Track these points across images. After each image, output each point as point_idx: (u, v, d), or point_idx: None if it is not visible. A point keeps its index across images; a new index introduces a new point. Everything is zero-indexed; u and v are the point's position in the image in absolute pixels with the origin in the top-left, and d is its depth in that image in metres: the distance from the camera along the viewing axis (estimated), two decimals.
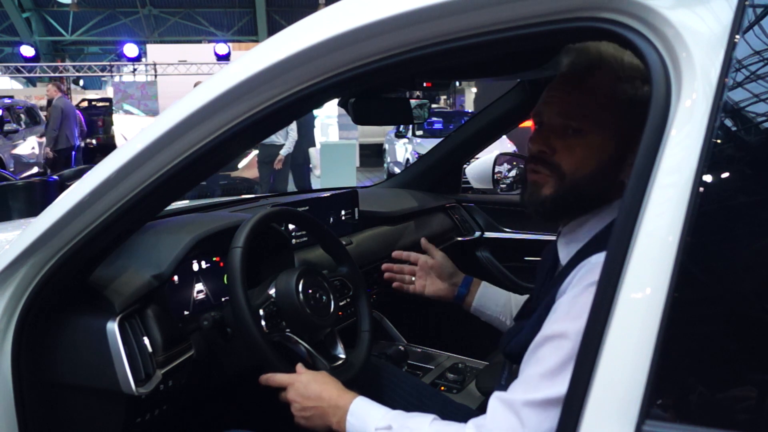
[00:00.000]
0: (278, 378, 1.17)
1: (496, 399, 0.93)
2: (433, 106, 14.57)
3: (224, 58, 13.39)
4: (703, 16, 0.68)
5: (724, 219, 0.67)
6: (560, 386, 0.84)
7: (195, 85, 7.02)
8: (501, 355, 1.16)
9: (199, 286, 1.43)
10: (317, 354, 1.26)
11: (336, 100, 1.55)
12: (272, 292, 1.28)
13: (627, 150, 0.98)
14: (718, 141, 0.65)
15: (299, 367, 1.19)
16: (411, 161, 9.76)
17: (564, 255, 1.06)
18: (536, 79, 2.06)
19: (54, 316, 1.18)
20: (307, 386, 1.13)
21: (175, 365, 1.24)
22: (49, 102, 10.05)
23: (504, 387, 1.03)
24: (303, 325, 1.28)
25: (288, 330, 1.27)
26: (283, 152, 6.79)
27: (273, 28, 18.94)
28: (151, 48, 15.54)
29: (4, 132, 10.15)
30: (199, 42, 17.91)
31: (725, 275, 0.67)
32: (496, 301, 1.46)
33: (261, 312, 1.24)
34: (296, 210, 1.50)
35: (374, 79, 0.92)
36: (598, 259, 0.89)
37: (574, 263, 0.96)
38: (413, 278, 1.53)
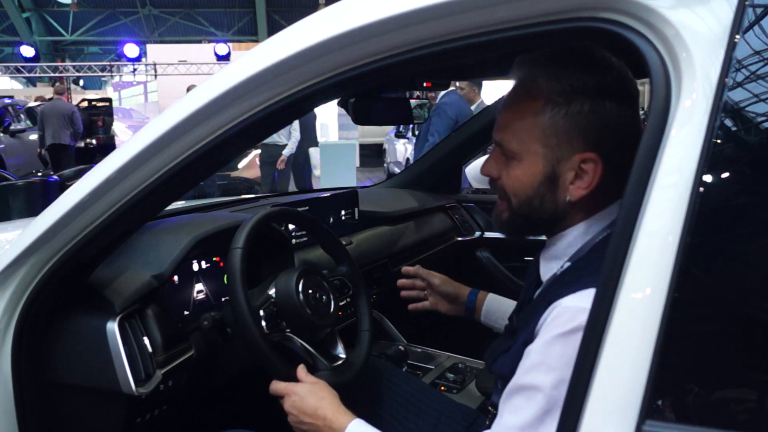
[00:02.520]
0: (274, 387, 1.17)
1: None
2: None
3: (224, 58, 13.39)
4: (703, 16, 0.68)
5: (724, 219, 0.67)
6: None
7: (188, 89, 7.03)
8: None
9: (199, 286, 1.43)
10: (317, 354, 1.26)
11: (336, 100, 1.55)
12: (272, 292, 1.28)
13: (560, 170, 0.96)
14: (718, 141, 0.65)
15: (299, 371, 1.18)
16: (411, 161, 9.76)
17: (544, 271, 1.04)
18: None
19: (54, 316, 1.17)
20: (303, 399, 1.12)
21: (175, 365, 1.24)
22: None
23: (500, 392, 1.03)
24: (303, 325, 1.27)
25: (288, 330, 1.27)
26: (286, 152, 6.78)
27: (273, 28, 18.94)
28: (151, 48, 15.55)
29: (10, 132, 10.22)
30: (199, 42, 17.91)
31: (725, 275, 0.67)
32: (503, 314, 1.45)
33: (261, 312, 1.24)
34: (296, 210, 1.50)
35: (374, 79, 0.92)
36: (568, 303, 0.87)
37: (549, 292, 0.94)
38: (425, 293, 1.54)
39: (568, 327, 0.86)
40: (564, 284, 0.92)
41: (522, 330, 0.98)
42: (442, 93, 4.79)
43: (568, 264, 0.98)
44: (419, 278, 1.54)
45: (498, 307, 1.47)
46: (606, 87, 0.94)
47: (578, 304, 0.86)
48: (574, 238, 1.00)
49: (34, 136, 10.53)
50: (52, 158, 9.10)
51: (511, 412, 0.90)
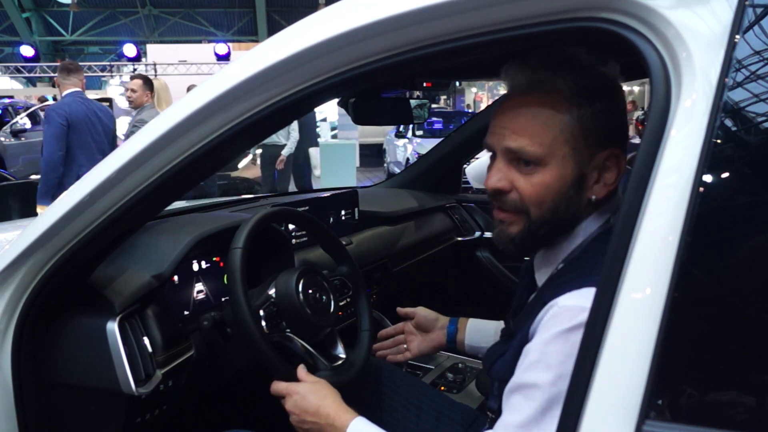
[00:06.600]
0: (276, 387, 1.17)
1: None
2: (433, 106, 14.57)
3: (224, 58, 13.39)
4: (703, 16, 0.68)
5: (724, 219, 0.67)
6: None
7: (188, 89, 7.06)
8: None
9: (199, 286, 1.43)
10: (317, 354, 1.26)
11: (336, 100, 1.55)
12: (272, 292, 1.28)
13: (586, 169, 0.95)
14: (718, 141, 0.65)
15: (300, 370, 1.18)
16: (411, 161, 9.76)
17: (540, 276, 1.04)
18: None
19: (54, 316, 1.17)
20: (304, 398, 1.12)
21: (175, 365, 1.24)
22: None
23: (497, 398, 1.03)
24: (303, 325, 1.27)
25: (288, 330, 1.27)
26: (285, 152, 6.79)
27: (273, 28, 18.95)
28: (151, 48, 15.54)
29: (12, 132, 10.24)
30: (199, 42, 17.91)
31: (725, 275, 0.67)
32: (486, 333, 1.44)
33: (261, 312, 1.24)
34: (296, 210, 1.50)
35: (374, 79, 0.92)
36: (565, 302, 0.87)
37: (545, 294, 0.94)
38: (405, 346, 1.51)
39: (567, 325, 0.86)
40: (559, 284, 0.92)
41: (518, 332, 0.98)
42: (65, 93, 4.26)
43: (562, 265, 0.99)
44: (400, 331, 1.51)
45: (480, 327, 1.44)
46: (614, 82, 0.97)
47: (576, 302, 0.86)
48: (568, 243, 1.00)
49: (36, 138, 10.56)
50: None
51: (510, 410, 0.91)
